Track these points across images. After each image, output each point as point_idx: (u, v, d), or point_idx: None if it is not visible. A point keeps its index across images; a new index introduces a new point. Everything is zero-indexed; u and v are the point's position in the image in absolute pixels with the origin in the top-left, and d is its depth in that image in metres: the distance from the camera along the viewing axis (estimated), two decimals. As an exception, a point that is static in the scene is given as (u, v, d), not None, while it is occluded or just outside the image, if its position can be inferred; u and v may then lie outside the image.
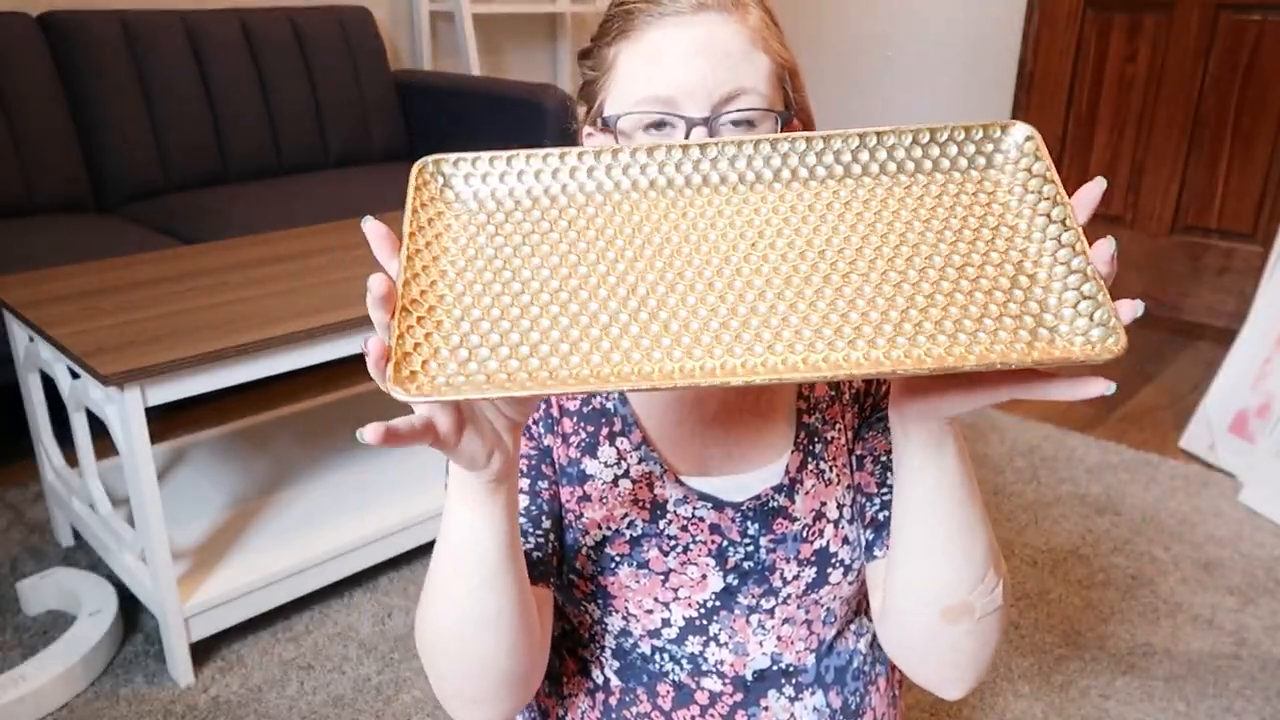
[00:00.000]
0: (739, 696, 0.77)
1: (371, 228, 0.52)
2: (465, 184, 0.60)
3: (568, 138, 0.86)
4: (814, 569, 0.74)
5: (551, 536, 0.74)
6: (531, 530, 0.73)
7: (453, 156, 0.60)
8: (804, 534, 0.75)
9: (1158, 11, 2.93)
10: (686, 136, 0.66)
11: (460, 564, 0.60)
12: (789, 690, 0.78)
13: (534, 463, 0.74)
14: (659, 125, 0.67)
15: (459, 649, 0.64)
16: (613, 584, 0.74)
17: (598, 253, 0.56)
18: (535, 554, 0.72)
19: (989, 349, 0.49)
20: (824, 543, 0.75)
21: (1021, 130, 0.58)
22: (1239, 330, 2.23)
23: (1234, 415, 2.14)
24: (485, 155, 0.59)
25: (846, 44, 3.58)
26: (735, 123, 0.67)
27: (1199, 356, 2.80)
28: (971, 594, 0.64)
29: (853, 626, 0.82)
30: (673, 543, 0.74)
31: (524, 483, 0.74)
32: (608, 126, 0.69)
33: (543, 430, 0.75)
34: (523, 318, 0.52)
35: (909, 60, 3.47)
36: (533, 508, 0.73)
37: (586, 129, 0.74)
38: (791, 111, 0.71)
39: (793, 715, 0.78)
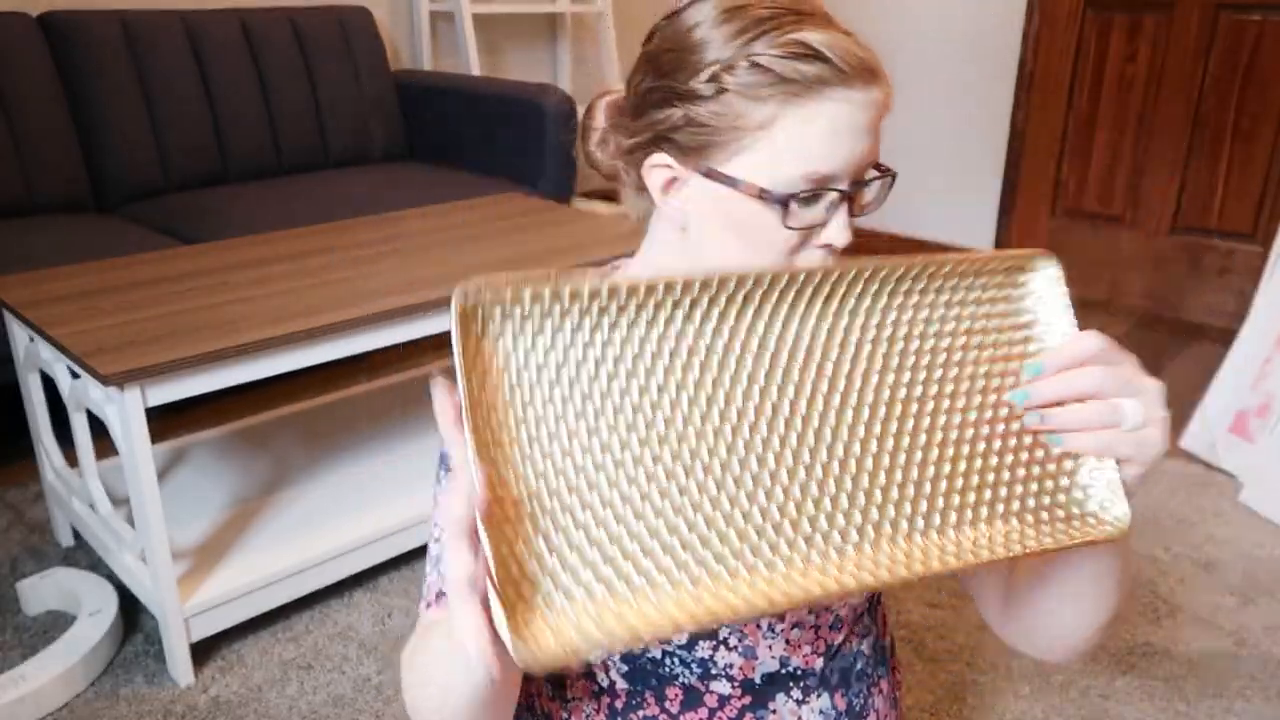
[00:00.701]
0: (747, 699, 0.77)
1: (438, 398, 0.46)
2: (526, 340, 0.49)
3: (569, 137, 0.85)
4: None
5: None
6: None
7: (502, 287, 0.47)
8: None
9: (1158, 11, 2.93)
10: (834, 207, 0.66)
11: (450, 693, 0.58)
12: (796, 693, 0.78)
13: None
14: (814, 198, 0.66)
15: None
16: None
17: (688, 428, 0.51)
18: None
19: (992, 537, 0.55)
20: None
21: (1044, 272, 0.60)
22: (1239, 330, 2.23)
23: (1234, 415, 2.14)
24: (545, 292, 0.48)
25: (846, 44, 3.58)
26: (879, 183, 0.70)
27: (1199, 356, 2.80)
28: (1107, 619, 0.68)
29: (856, 629, 0.82)
30: None
31: None
32: (766, 196, 0.65)
33: None
34: (618, 524, 0.48)
35: (908, 59, 3.47)
36: None
37: (664, 158, 0.69)
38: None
39: (799, 718, 0.78)
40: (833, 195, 0.66)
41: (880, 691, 0.82)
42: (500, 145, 2.84)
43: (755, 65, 0.62)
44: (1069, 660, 0.74)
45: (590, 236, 1.95)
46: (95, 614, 1.52)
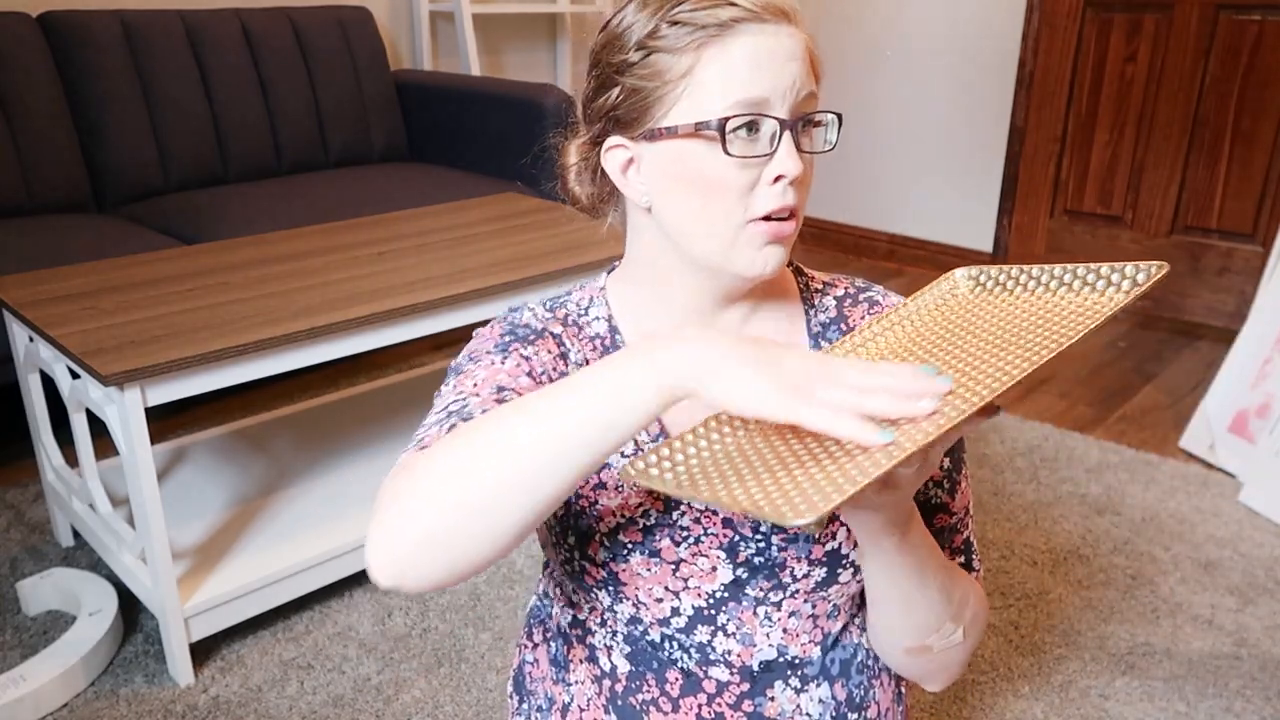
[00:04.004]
0: (745, 686, 0.78)
1: None
2: None
3: (552, 183, 0.88)
4: (824, 569, 0.75)
5: None
6: None
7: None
8: (816, 535, 0.75)
9: (1158, 11, 2.93)
10: (776, 138, 0.68)
11: (577, 443, 0.55)
12: (794, 682, 0.79)
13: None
14: (751, 126, 0.68)
15: (489, 501, 0.55)
16: (624, 571, 0.75)
17: None
18: None
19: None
20: (836, 544, 0.75)
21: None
22: (1239, 330, 2.23)
23: (1234, 415, 2.14)
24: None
25: (843, 42, 3.58)
26: (817, 124, 0.71)
27: (1199, 356, 2.80)
28: (928, 640, 0.74)
29: (857, 620, 0.83)
30: (685, 534, 0.74)
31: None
32: (703, 130, 0.67)
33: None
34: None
35: (907, 60, 3.47)
36: None
37: (616, 139, 0.73)
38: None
39: (799, 706, 0.79)
40: (772, 125, 0.68)
41: (881, 684, 0.83)
42: (500, 145, 2.84)
43: (674, 23, 0.68)
44: (907, 676, 0.83)
45: (589, 236, 1.95)
46: (95, 614, 1.52)
